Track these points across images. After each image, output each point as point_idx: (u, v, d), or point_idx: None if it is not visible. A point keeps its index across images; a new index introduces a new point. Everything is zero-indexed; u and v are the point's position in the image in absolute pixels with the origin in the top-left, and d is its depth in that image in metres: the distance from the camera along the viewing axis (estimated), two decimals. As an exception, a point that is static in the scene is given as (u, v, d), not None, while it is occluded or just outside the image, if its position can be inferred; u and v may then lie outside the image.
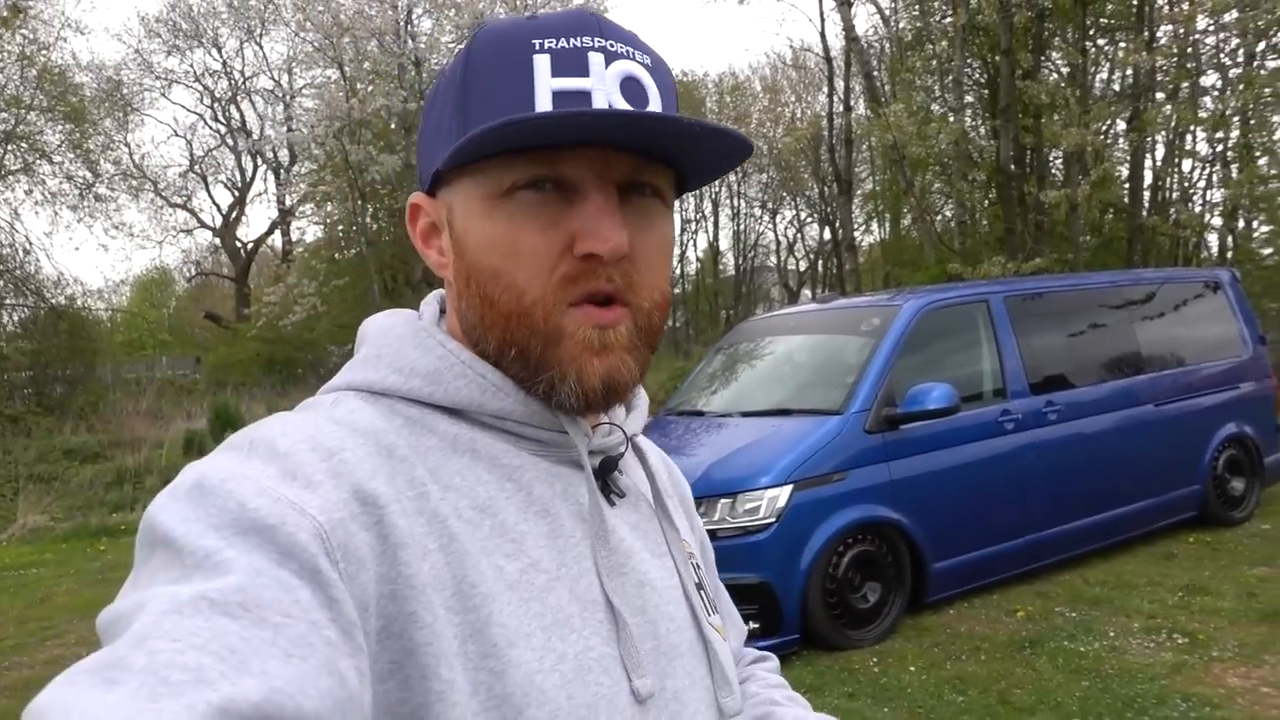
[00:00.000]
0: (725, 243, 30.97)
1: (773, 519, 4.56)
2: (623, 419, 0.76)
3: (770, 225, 32.73)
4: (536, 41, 0.64)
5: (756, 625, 4.51)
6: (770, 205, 31.48)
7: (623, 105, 0.64)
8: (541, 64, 0.63)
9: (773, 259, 33.30)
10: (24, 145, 15.40)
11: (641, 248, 0.66)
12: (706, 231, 31.06)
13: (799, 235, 31.93)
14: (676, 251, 28.68)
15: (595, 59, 0.64)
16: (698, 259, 32.91)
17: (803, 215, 31.04)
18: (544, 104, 0.62)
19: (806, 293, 30.31)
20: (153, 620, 0.45)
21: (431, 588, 0.58)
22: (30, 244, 16.78)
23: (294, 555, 0.51)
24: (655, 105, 0.66)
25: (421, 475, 0.62)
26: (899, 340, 5.22)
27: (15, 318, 16.10)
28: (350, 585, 0.53)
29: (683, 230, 29.13)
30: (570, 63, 0.63)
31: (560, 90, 0.63)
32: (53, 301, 16.20)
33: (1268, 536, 6.21)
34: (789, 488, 4.62)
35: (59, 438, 12.96)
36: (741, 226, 32.00)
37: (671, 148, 0.66)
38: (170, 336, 33.19)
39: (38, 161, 16.03)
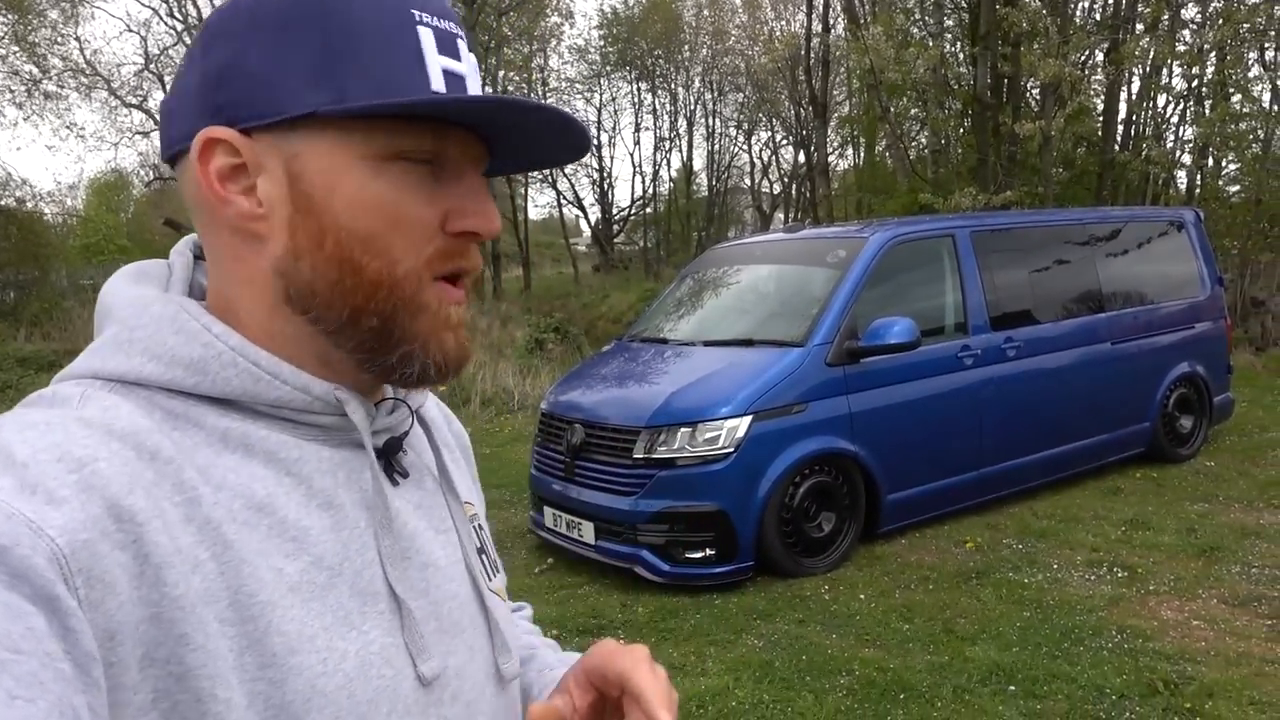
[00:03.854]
0: (699, 163, 30.53)
1: (731, 449, 4.60)
2: (405, 391, 0.73)
3: (745, 146, 32.37)
4: (416, 12, 0.62)
5: (712, 552, 4.60)
6: (746, 126, 31.07)
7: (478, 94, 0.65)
8: (427, 38, 0.62)
9: (746, 181, 32.99)
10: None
11: None
12: (680, 150, 30.65)
13: (774, 158, 31.62)
14: (649, 170, 28.39)
15: (461, 46, 0.65)
16: (670, 179, 32.54)
17: (778, 138, 30.69)
18: (437, 81, 0.62)
19: (780, 216, 30.15)
20: None
21: (203, 603, 0.54)
22: (-24, 143, 16.13)
23: (27, 579, 0.46)
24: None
25: (191, 478, 0.57)
26: (864, 274, 5.20)
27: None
28: (92, 614, 0.49)
29: (655, 149, 28.70)
30: (448, 45, 0.64)
31: (447, 70, 0.63)
32: (2, 203, 15.69)
33: (1211, 474, 6.39)
34: (748, 418, 4.65)
35: (12, 345, 12.71)
36: (716, 147, 31.61)
37: (525, 138, 0.67)
38: (130, 242, 32.40)
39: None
